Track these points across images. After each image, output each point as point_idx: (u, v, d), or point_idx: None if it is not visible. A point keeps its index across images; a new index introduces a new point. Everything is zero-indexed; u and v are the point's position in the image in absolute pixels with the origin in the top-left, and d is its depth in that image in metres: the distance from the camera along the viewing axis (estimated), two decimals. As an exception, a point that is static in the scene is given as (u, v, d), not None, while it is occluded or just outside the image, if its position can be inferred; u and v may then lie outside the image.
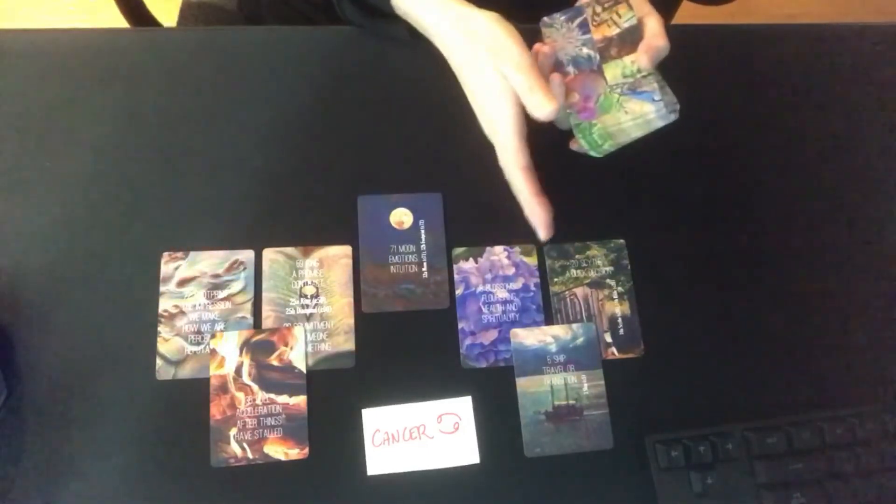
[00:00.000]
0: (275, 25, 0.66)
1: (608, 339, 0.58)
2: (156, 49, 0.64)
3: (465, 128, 0.64)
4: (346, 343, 0.56)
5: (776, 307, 0.61)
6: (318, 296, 0.57)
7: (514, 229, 0.61)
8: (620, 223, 0.62)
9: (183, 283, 0.56)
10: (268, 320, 0.56)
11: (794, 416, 0.56)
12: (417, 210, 0.61)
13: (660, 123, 0.53)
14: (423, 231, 0.60)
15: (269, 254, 0.58)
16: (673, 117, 0.52)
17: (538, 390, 0.56)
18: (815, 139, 0.67)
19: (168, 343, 0.55)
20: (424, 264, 0.59)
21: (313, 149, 0.61)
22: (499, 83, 0.53)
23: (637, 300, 0.60)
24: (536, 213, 0.55)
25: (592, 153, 0.56)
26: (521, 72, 0.52)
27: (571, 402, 0.56)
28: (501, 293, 0.59)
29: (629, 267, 0.61)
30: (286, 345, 0.56)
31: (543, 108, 0.51)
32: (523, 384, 0.56)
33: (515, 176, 0.54)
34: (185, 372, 0.54)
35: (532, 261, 0.60)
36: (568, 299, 0.59)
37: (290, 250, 0.58)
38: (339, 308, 0.57)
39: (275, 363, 0.55)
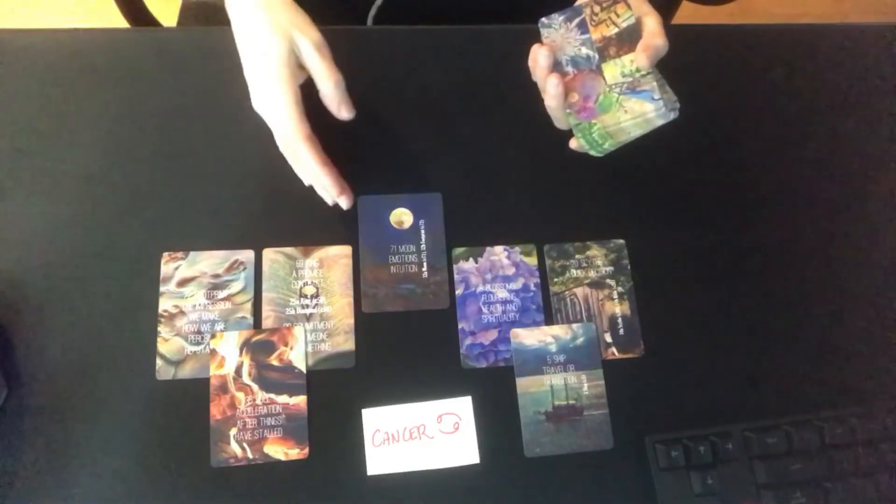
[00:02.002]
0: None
1: (608, 339, 0.58)
2: (156, 49, 0.64)
3: (465, 128, 0.64)
4: (346, 343, 0.56)
5: (776, 307, 0.61)
6: (318, 296, 0.57)
7: (514, 229, 0.61)
8: (620, 223, 0.62)
9: (183, 283, 0.56)
10: (268, 320, 0.56)
11: (794, 416, 0.56)
12: (417, 210, 0.61)
13: (660, 122, 0.53)
14: (423, 231, 0.60)
15: (269, 254, 0.58)
16: (673, 116, 0.52)
17: (538, 390, 0.56)
18: (815, 139, 0.67)
19: (168, 343, 0.55)
20: (424, 264, 0.59)
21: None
22: (284, 51, 0.53)
23: (637, 300, 0.60)
24: (328, 184, 0.55)
25: (593, 152, 0.56)
26: (318, 50, 0.54)
27: (571, 402, 0.56)
28: (501, 293, 0.59)
29: (629, 267, 0.61)
30: (286, 345, 0.56)
31: (335, 90, 0.55)
32: (523, 384, 0.56)
33: (300, 148, 0.53)
34: (185, 372, 0.54)
35: (532, 261, 0.60)
36: (568, 299, 0.59)
37: (290, 250, 0.58)
38: (339, 308, 0.57)
39: (275, 363, 0.55)
